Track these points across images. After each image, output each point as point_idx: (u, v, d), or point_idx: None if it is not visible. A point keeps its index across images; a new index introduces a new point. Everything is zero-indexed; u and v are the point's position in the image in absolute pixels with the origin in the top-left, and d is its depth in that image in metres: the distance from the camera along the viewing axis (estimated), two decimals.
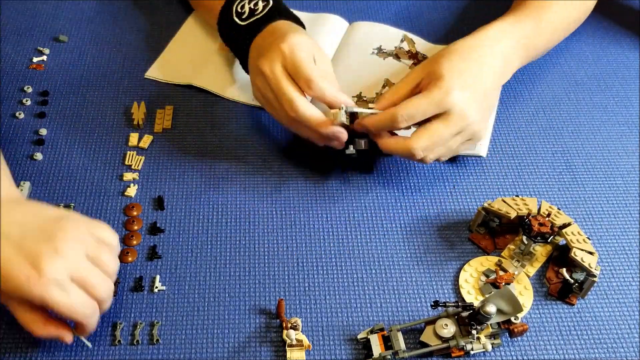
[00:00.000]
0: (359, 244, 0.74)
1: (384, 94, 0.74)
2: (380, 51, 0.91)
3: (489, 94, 0.74)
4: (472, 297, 0.69)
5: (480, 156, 0.81)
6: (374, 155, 0.80)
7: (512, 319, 0.63)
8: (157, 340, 0.65)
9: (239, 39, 0.81)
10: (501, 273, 0.70)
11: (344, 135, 0.73)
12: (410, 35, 0.95)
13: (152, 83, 0.90)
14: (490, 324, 0.64)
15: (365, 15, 1.01)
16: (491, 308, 0.61)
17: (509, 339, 0.66)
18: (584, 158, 0.83)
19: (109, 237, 0.62)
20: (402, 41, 0.94)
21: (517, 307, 0.63)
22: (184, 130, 0.85)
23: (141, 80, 0.90)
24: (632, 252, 0.74)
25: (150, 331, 0.66)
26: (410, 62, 0.91)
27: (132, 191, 0.77)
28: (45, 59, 0.93)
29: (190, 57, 0.93)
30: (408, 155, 0.70)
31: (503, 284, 0.69)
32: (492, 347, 0.64)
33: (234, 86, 0.89)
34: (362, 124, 0.73)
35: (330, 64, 0.79)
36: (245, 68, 0.82)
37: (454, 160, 0.82)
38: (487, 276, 0.70)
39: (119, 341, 0.65)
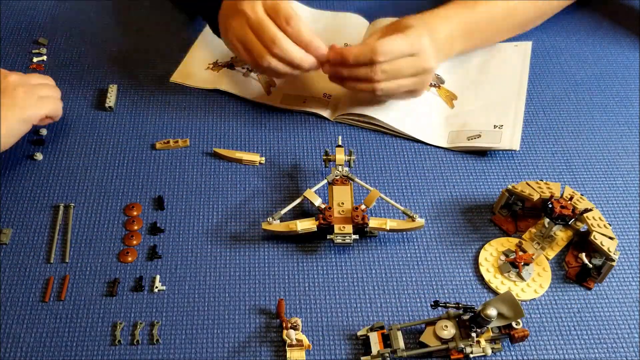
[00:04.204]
0: (359, 244, 0.74)
1: (349, 48, 0.76)
2: None
3: (437, 57, 0.80)
4: (490, 274, 0.71)
5: (514, 150, 0.82)
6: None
7: (514, 324, 0.64)
8: (157, 340, 0.65)
9: None
10: (520, 253, 0.71)
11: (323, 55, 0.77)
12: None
13: (152, 84, 0.90)
14: (491, 328, 0.64)
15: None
16: (492, 311, 0.61)
17: (510, 344, 0.66)
18: (584, 158, 0.83)
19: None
20: None
21: (518, 312, 0.63)
22: (183, 129, 0.85)
23: (141, 81, 0.91)
24: (631, 252, 0.74)
25: (150, 331, 0.66)
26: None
27: None
28: (45, 59, 0.93)
29: (208, 62, 0.93)
30: (369, 59, 0.74)
31: (522, 263, 0.70)
32: (492, 351, 0.64)
33: (233, 79, 0.89)
34: (341, 53, 0.76)
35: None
36: (214, 26, 0.83)
37: (484, 154, 0.82)
38: (507, 255, 0.72)
39: (119, 341, 0.65)
